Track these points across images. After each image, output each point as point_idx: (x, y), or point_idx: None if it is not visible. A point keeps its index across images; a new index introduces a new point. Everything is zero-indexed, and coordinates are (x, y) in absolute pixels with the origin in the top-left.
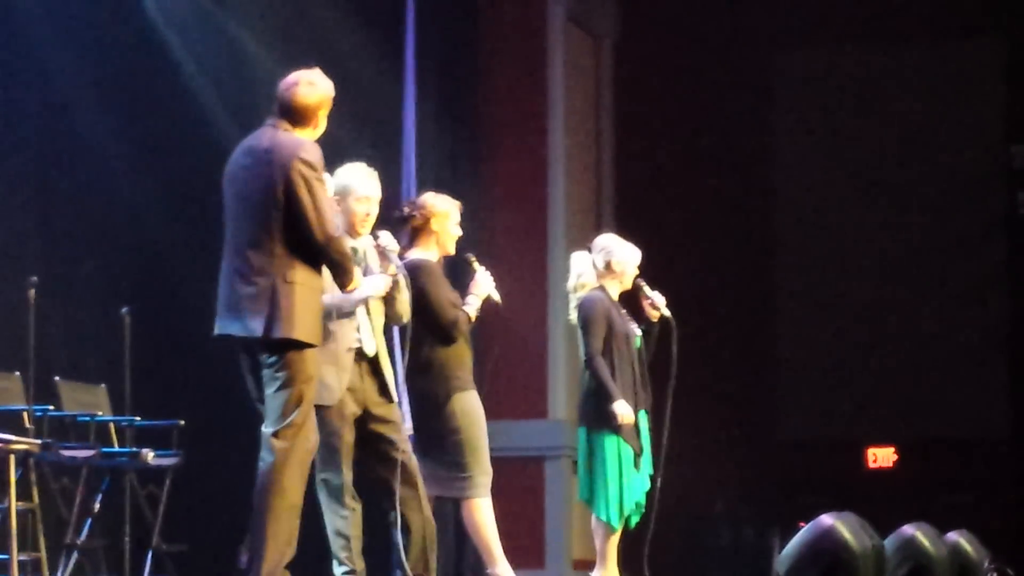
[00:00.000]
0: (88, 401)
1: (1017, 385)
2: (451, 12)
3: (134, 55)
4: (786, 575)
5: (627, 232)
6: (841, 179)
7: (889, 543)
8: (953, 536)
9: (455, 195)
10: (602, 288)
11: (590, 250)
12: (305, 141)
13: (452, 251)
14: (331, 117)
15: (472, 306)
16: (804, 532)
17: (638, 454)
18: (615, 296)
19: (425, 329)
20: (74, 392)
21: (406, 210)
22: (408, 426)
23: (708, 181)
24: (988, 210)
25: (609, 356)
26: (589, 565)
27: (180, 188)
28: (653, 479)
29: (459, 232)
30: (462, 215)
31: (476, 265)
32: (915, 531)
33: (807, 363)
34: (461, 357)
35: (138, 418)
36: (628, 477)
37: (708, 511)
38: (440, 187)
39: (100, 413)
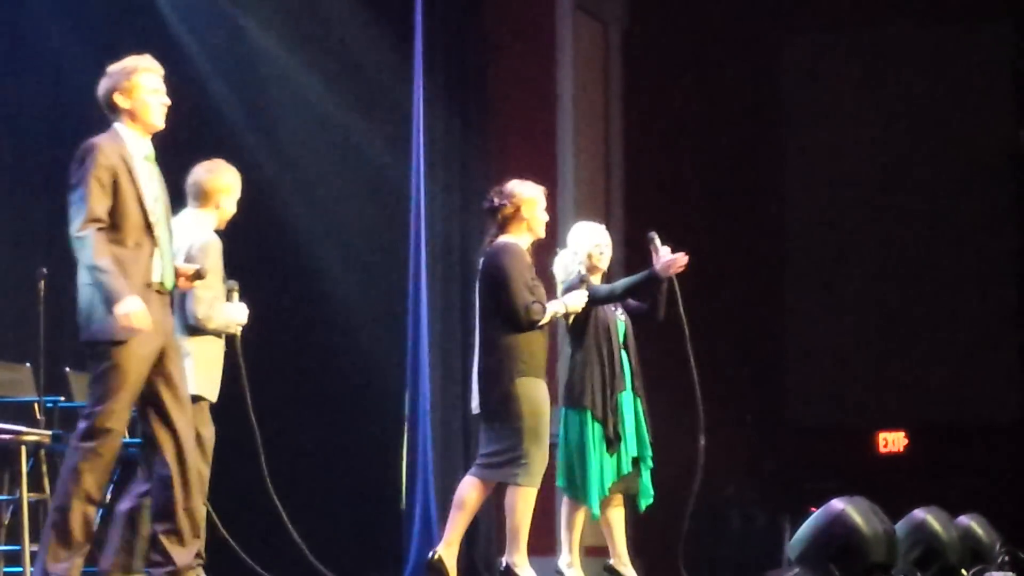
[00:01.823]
0: None
1: None
2: (459, 0)
3: (144, 48)
4: (797, 560)
5: (636, 218)
6: (850, 165)
7: (900, 527)
8: (964, 520)
9: (465, 184)
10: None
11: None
12: (95, 137)
13: (543, 235)
14: (339, 108)
15: (553, 308)
16: (815, 517)
17: (611, 439)
18: (598, 282)
19: (496, 308)
20: (84, 383)
21: (495, 200)
22: (474, 405)
23: (717, 167)
24: (997, 195)
25: (592, 344)
26: (601, 552)
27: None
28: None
29: (547, 217)
30: (472, 202)
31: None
32: (926, 515)
33: (817, 348)
34: (532, 344)
35: None
36: (600, 458)
37: (719, 496)
38: (449, 176)
39: None
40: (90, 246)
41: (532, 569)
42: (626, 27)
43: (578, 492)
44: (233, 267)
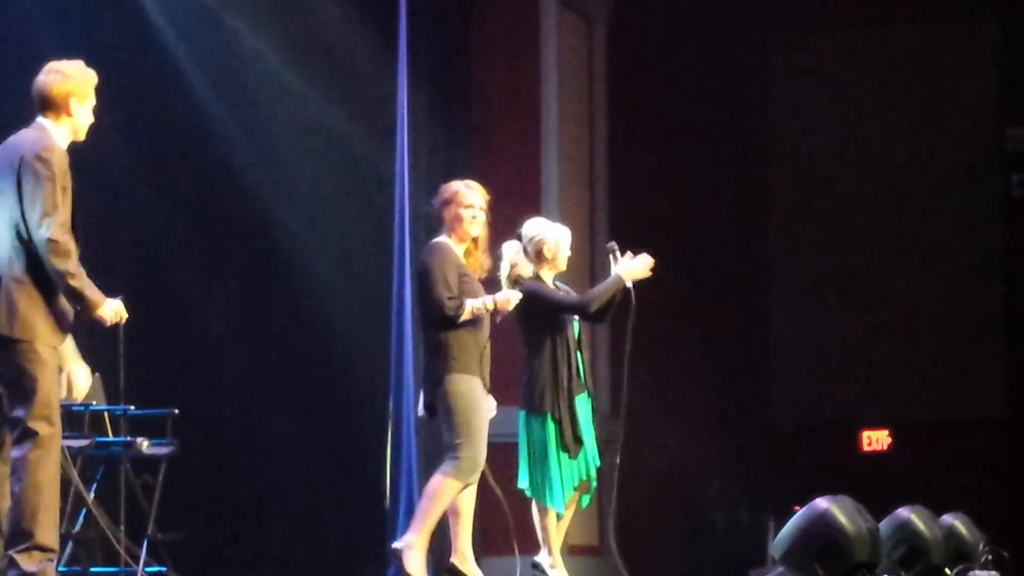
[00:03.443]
0: None
1: (1012, 368)
2: None
3: (132, 52)
4: (781, 558)
5: (620, 216)
6: (836, 163)
7: (884, 526)
8: (948, 519)
9: (450, 181)
10: (537, 277)
11: (519, 238)
12: (46, 138)
13: (471, 233)
14: (323, 103)
15: (472, 304)
16: (799, 516)
17: (570, 442)
18: (550, 282)
19: (419, 306)
20: None
21: (433, 203)
22: (419, 407)
23: (702, 166)
24: (983, 192)
25: (550, 348)
26: (585, 550)
27: (175, 179)
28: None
29: (470, 214)
30: None
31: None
32: (910, 514)
33: (802, 347)
34: (463, 341)
35: (132, 407)
36: (563, 460)
37: (703, 495)
38: (433, 174)
39: (94, 402)
40: (67, 252)
41: (420, 553)
42: (610, 24)
43: (540, 493)
44: (219, 265)
